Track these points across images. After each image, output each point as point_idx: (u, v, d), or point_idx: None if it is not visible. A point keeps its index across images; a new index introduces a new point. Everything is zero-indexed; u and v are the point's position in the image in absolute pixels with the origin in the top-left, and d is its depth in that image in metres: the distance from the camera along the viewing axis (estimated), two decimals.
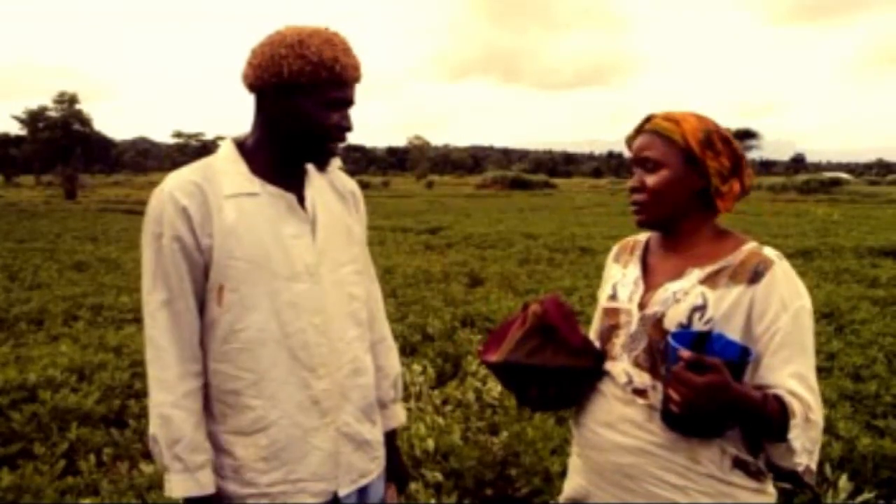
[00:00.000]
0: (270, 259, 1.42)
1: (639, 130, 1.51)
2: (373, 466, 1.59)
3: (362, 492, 1.58)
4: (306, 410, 1.47)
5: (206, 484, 1.39)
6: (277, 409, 1.44)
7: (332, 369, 1.50)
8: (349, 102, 1.46)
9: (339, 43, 1.40)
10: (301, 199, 1.50)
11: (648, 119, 1.51)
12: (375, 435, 1.61)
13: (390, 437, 1.71)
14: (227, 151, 1.48)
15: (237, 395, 1.43)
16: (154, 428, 1.39)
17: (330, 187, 1.58)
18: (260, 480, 1.45)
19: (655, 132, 1.47)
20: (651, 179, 1.45)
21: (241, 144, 1.50)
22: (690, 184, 1.45)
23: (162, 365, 1.39)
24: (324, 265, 1.49)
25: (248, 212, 1.42)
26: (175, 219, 1.38)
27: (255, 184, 1.45)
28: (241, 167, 1.46)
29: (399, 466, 1.76)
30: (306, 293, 1.46)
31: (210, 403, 1.46)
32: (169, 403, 1.38)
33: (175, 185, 1.40)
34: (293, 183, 1.50)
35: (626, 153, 1.55)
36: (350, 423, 1.53)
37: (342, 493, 1.52)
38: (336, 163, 1.58)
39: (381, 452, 1.63)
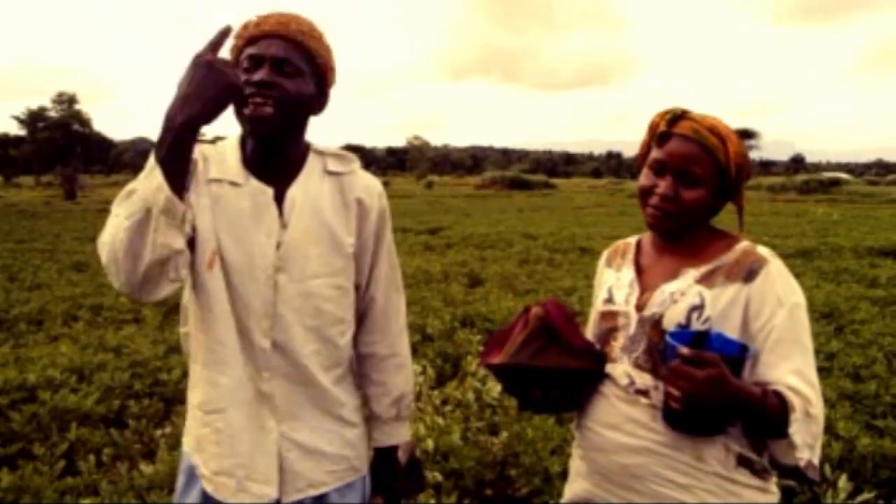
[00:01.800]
0: (236, 254, 1.42)
1: (673, 127, 1.43)
2: (328, 479, 1.52)
3: (318, 500, 1.52)
4: (257, 407, 1.46)
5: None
6: (237, 396, 1.45)
7: (277, 374, 1.47)
8: (265, 58, 1.41)
9: (285, 14, 1.45)
10: (284, 198, 1.47)
11: (683, 116, 1.44)
12: (341, 449, 1.54)
13: (385, 454, 1.63)
14: (231, 140, 1.51)
15: (206, 366, 1.46)
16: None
17: (335, 191, 1.51)
18: (209, 464, 1.46)
19: (701, 144, 1.40)
20: (689, 194, 1.42)
21: (242, 136, 1.52)
22: (717, 202, 1.46)
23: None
24: (286, 272, 1.44)
25: (222, 200, 1.43)
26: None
27: (241, 175, 1.45)
28: (236, 156, 1.47)
29: (391, 482, 1.64)
30: (261, 295, 1.44)
31: (191, 372, 1.50)
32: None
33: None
34: (283, 181, 1.47)
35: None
36: (298, 430, 1.49)
37: (285, 500, 1.47)
38: (352, 163, 1.56)
39: (346, 466, 1.55)
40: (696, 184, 1.41)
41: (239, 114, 1.42)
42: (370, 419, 1.64)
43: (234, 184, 1.44)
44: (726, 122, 1.45)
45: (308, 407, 1.50)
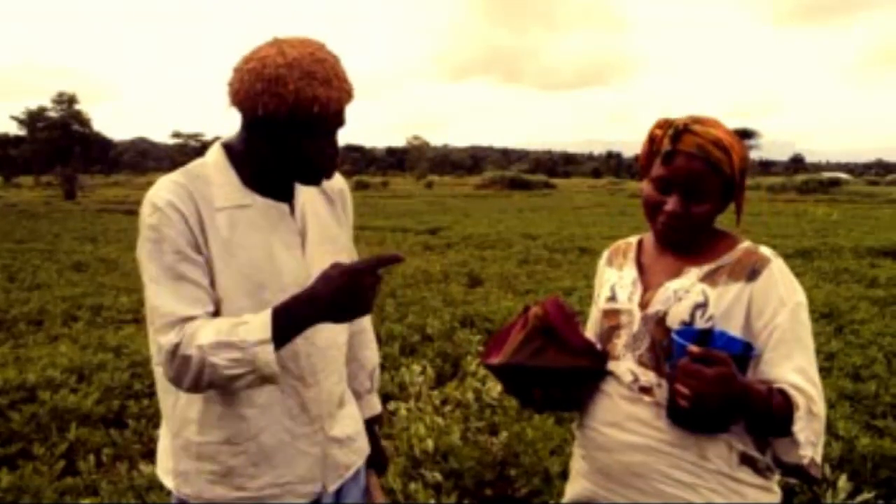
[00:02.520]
0: (261, 272, 1.40)
1: (678, 143, 1.41)
2: (355, 458, 1.61)
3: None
4: (295, 417, 1.47)
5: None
6: (267, 416, 1.44)
7: (320, 377, 1.50)
8: (332, 132, 1.39)
9: (320, 75, 1.29)
10: (292, 208, 1.48)
11: (687, 130, 1.40)
12: (356, 427, 1.63)
13: (368, 424, 1.72)
14: (216, 158, 1.43)
15: (230, 405, 1.42)
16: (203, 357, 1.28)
17: (318, 190, 1.54)
18: (250, 485, 1.45)
19: (707, 160, 1.38)
20: (698, 209, 1.42)
21: (229, 148, 1.44)
22: (723, 207, 1.46)
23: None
24: (312, 277, 1.45)
25: (239, 225, 1.39)
26: (173, 231, 1.33)
27: (247, 195, 1.42)
28: (232, 177, 1.41)
29: (378, 453, 1.77)
30: None
31: (198, 413, 1.43)
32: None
33: (169, 194, 1.35)
34: (284, 190, 1.47)
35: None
36: (334, 426, 1.54)
37: (330, 489, 1.54)
38: None
39: (362, 442, 1.64)
40: (705, 198, 1.41)
41: (289, 169, 1.41)
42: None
43: (242, 206, 1.41)
44: (725, 126, 1.44)
45: (335, 400, 1.55)
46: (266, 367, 1.28)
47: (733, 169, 1.40)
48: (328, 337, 1.51)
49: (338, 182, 1.60)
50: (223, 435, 1.43)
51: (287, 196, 1.47)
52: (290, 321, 1.30)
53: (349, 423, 1.60)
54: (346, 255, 1.58)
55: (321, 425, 1.50)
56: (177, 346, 1.29)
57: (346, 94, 1.35)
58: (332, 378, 1.53)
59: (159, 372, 1.44)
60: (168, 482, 1.50)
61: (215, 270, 1.37)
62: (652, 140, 1.48)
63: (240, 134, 1.43)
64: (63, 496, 3.02)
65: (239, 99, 1.32)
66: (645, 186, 1.49)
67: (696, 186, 1.40)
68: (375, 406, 1.77)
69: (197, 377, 1.29)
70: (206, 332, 1.29)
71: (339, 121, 1.38)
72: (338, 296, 1.29)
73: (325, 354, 1.50)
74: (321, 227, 1.52)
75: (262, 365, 1.28)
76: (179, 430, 1.46)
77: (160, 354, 1.32)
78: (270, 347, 1.27)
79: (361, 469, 1.65)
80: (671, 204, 1.43)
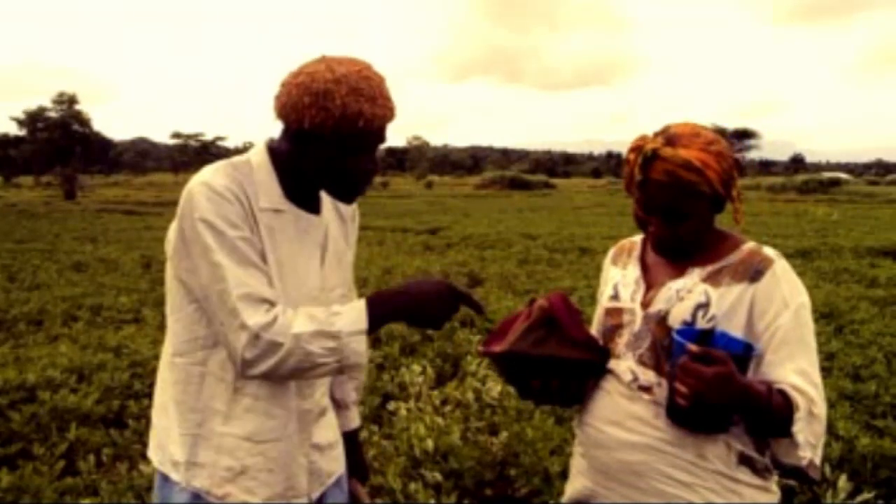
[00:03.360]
0: (286, 279, 1.42)
1: (648, 171, 1.39)
2: (336, 465, 1.61)
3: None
4: (299, 430, 1.50)
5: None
6: (290, 424, 1.46)
7: (314, 390, 1.53)
8: (373, 149, 1.42)
9: (367, 91, 1.33)
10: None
11: (655, 157, 1.37)
12: (336, 434, 1.63)
13: (352, 436, 1.73)
14: (261, 159, 1.45)
15: (266, 398, 1.43)
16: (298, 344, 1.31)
17: (334, 207, 1.57)
18: (260, 491, 1.45)
19: (679, 186, 1.36)
20: (683, 228, 1.42)
21: (273, 152, 1.46)
22: (713, 214, 1.46)
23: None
24: (324, 291, 1.50)
25: (274, 228, 1.42)
26: (235, 215, 1.35)
27: (284, 201, 1.44)
28: (275, 181, 1.44)
29: (361, 462, 1.78)
30: None
31: (225, 404, 1.42)
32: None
33: (226, 179, 1.36)
34: (314, 203, 1.50)
35: (626, 154, 1.52)
36: (317, 434, 1.55)
37: (313, 496, 1.55)
38: None
39: (340, 449, 1.64)
40: (688, 218, 1.41)
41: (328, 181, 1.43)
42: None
43: (278, 211, 1.43)
44: (704, 135, 1.39)
45: (319, 410, 1.56)
46: (355, 356, 1.33)
47: (712, 185, 1.37)
48: None
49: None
50: (247, 429, 1.43)
51: (315, 209, 1.50)
52: (381, 312, 1.36)
53: (330, 431, 1.60)
54: (349, 274, 1.62)
55: (308, 434, 1.52)
56: (264, 329, 1.29)
57: (389, 112, 1.39)
58: (321, 389, 1.56)
59: (180, 362, 1.44)
60: (175, 475, 1.45)
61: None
62: (628, 162, 1.47)
63: (282, 143, 1.44)
64: (63, 496, 3.01)
65: (286, 111, 1.35)
66: (633, 203, 1.49)
67: (674, 211, 1.40)
68: (357, 418, 1.79)
69: (280, 363, 1.31)
70: (301, 321, 1.32)
71: (380, 138, 1.41)
72: (427, 300, 1.38)
73: None
74: (336, 244, 1.56)
75: (351, 354, 1.33)
76: (203, 421, 1.43)
77: (239, 335, 1.29)
78: (363, 338, 1.33)
79: (343, 476, 1.65)
80: (654, 225, 1.44)
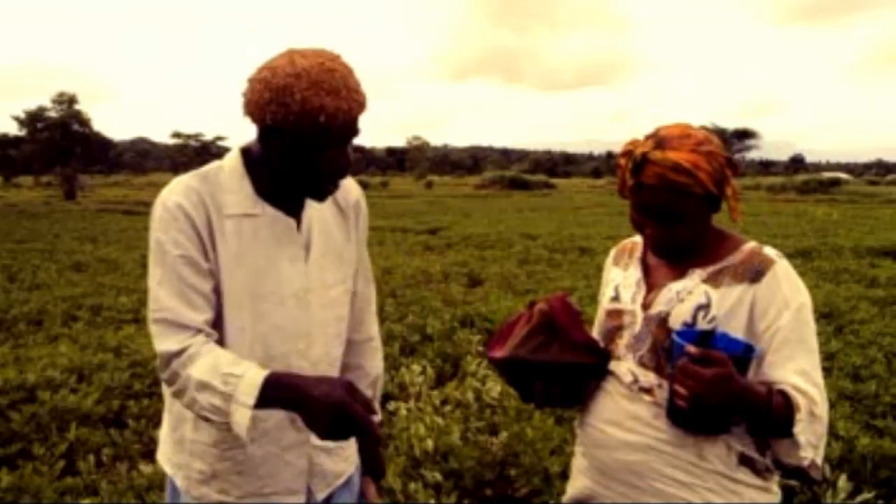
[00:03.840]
0: (263, 284, 1.41)
1: (639, 175, 1.39)
2: (345, 466, 1.60)
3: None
4: (284, 429, 1.47)
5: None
6: (259, 427, 1.42)
7: None
8: (342, 143, 1.35)
9: (329, 85, 1.27)
10: (299, 220, 1.47)
11: (645, 161, 1.37)
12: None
13: None
14: (233, 164, 1.43)
15: None
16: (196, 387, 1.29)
17: (331, 201, 1.52)
18: (233, 492, 1.46)
19: (671, 189, 1.37)
20: (679, 231, 1.42)
21: (247, 154, 1.44)
22: (710, 214, 1.45)
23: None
24: (313, 290, 1.48)
25: (246, 234, 1.40)
26: (181, 234, 1.34)
27: (257, 204, 1.41)
28: (246, 185, 1.41)
29: (375, 460, 1.72)
30: (293, 318, 1.44)
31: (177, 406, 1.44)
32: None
33: (180, 196, 1.36)
34: (294, 202, 1.46)
35: (617, 159, 1.51)
36: None
37: (319, 497, 1.54)
38: None
39: (352, 450, 1.62)
40: (682, 220, 1.40)
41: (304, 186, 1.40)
42: None
43: (250, 215, 1.41)
44: (694, 135, 1.39)
45: None
46: (237, 427, 1.25)
47: (704, 185, 1.37)
48: (321, 352, 1.51)
49: (353, 193, 1.58)
50: (213, 437, 1.44)
51: (297, 208, 1.47)
52: (272, 396, 1.26)
53: None
54: (352, 268, 1.58)
55: (308, 436, 1.49)
56: (172, 357, 1.31)
57: (356, 104, 1.31)
58: None
59: None
60: (168, 468, 1.54)
61: (219, 278, 1.38)
62: (619, 167, 1.47)
63: (256, 142, 1.42)
64: (63, 496, 3.01)
65: (250, 109, 1.32)
66: (630, 207, 1.49)
67: (668, 214, 1.40)
68: (375, 416, 1.76)
69: (179, 394, 1.33)
70: (201, 366, 1.28)
71: (348, 132, 1.33)
72: (318, 409, 1.23)
73: (317, 368, 1.49)
74: (327, 241, 1.51)
75: (234, 424, 1.25)
76: (177, 425, 1.49)
77: (158, 355, 1.34)
78: (249, 413, 1.24)
79: (354, 476, 1.64)
80: (649, 229, 1.44)
